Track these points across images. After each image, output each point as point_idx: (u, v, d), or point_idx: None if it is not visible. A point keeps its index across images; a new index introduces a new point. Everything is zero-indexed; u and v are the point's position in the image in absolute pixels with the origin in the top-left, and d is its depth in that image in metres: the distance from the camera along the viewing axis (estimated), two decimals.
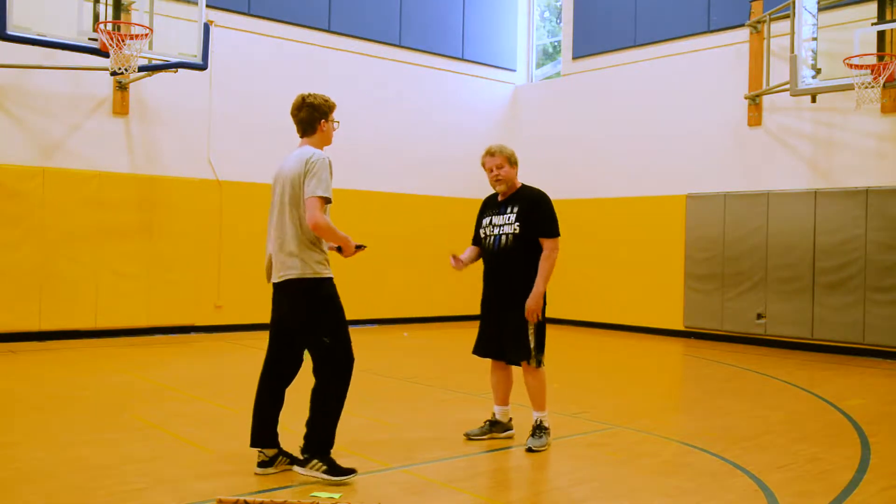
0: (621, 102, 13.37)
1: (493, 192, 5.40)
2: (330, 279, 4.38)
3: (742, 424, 6.00)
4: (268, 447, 4.42)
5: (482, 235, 5.30)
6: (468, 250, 5.45)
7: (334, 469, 4.25)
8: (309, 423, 4.32)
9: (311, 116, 4.47)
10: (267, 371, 4.50)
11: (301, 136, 4.54)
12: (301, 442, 4.41)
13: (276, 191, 4.45)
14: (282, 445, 4.48)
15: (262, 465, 4.40)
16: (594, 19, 13.92)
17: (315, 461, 4.26)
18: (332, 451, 4.34)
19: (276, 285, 4.43)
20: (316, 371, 4.36)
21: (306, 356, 4.48)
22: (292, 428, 4.95)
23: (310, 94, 4.50)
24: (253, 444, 4.43)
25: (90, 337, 10.34)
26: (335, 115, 4.57)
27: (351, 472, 4.28)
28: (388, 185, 13.29)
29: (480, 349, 5.35)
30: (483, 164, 5.25)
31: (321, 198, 4.21)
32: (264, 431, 4.42)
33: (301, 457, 4.31)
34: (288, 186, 4.33)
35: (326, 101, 4.51)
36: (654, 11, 13.00)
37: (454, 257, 5.27)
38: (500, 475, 4.69)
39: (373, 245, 4.73)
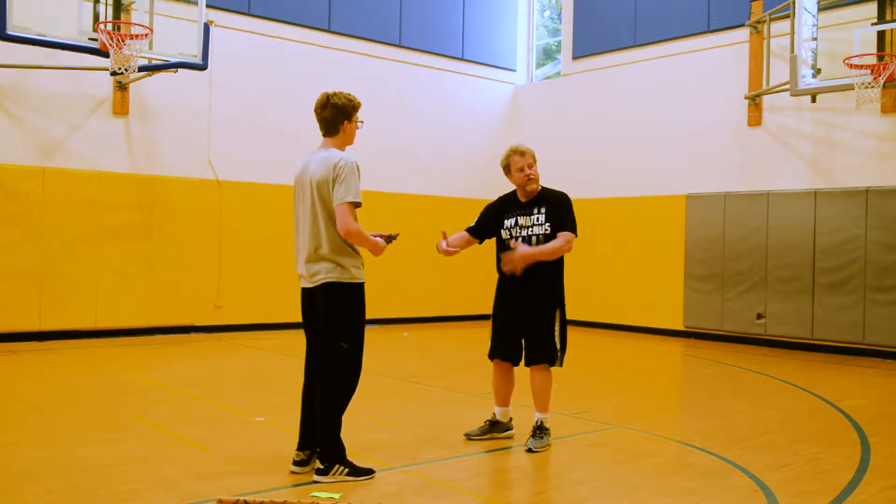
0: (621, 102, 13.37)
1: (506, 192, 5.35)
2: (363, 284, 4.39)
3: (742, 424, 6.00)
4: (307, 450, 4.43)
5: (505, 237, 5.22)
6: (458, 236, 5.28)
7: (355, 471, 4.31)
8: (322, 432, 4.32)
9: (335, 117, 4.40)
10: (306, 376, 4.49)
11: (323, 135, 4.48)
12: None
13: (304, 193, 4.39)
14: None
15: (299, 464, 4.40)
16: (594, 19, 13.92)
17: (337, 466, 4.28)
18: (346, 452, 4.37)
19: (309, 289, 4.41)
20: (324, 373, 4.35)
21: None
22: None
23: (335, 94, 4.41)
24: (300, 448, 4.43)
25: (90, 337, 10.34)
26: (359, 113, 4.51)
27: (371, 471, 4.35)
28: (387, 186, 13.29)
29: (501, 352, 5.25)
30: (510, 165, 5.16)
31: (351, 203, 4.20)
32: (308, 435, 4.42)
33: (321, 465, 4.29)
34: (317, 190, 4.29)
35: (351, 100, 4.43)
36: (654, 11, 13.00)
37: (445, 240, 5.15)
38: (500, 475, 4.69)
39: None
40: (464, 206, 13.95)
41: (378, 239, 4.42)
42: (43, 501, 3.89)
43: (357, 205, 4.25)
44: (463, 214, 13.97)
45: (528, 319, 5.11)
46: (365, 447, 4.90)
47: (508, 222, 5.23)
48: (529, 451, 4.98)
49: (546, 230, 5.08)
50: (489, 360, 5.34)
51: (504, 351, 5.24)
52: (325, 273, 4.29)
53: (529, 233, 5.12)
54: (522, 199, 5.24)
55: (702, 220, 11.95)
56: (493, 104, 14.94)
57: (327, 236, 4.28)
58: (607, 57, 13.68)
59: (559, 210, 5.12)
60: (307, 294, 4.46)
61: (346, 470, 4.29)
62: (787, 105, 11.14)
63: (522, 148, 5.20)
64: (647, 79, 13.01)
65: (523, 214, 5.18)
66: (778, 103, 11.26)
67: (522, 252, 4.94)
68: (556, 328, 5.08)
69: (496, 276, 5.34)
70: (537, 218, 5.11)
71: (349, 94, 4.45)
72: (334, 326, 4.33)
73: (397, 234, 4.54)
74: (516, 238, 5.14)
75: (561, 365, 5.13)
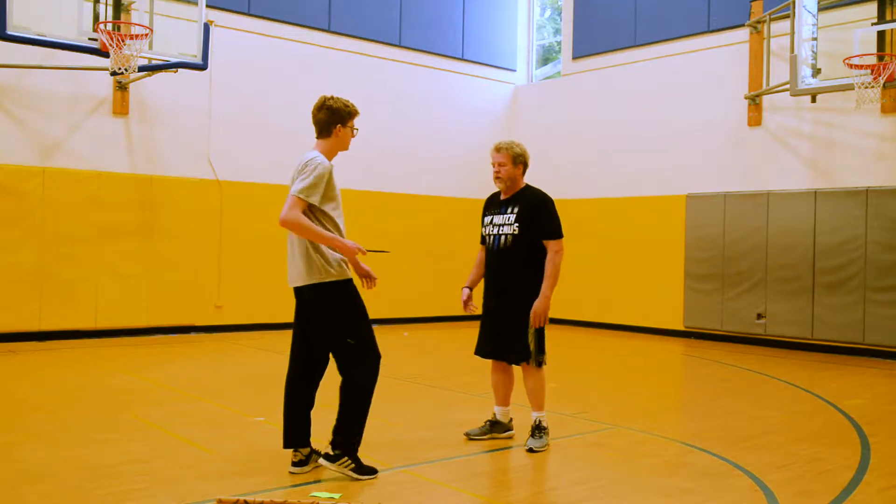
0: (621, 102, 13.37)
1: (495, 190, 5.38)
2: (348, 281, 4.40)
3: (742, 424, 6.00)
4: (302, 447, 4.45)
5: (484, 234, 5.29)
6: (476, 263, 5.43)
7: (360, 468, 4.33)
8: (339, 420, 4.35)
9: (329, 118, 4.44)
10: (294, 373, 4.51)
11: (316, 137, 4.52)
12: (327, 436, 4.45)
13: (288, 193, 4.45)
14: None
15: (297, 464, 4.43)
16: (594, 19, 13.92)
17: (345, 458, 4.30)
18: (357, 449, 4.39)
19: (297, 289, 4.45)
20: (343, 371, 4.40)
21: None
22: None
23: (332, 97, 4.47)
24: (286, 446, 4.45)
25: (90, 337, 10.34)
26: (357, 121, 4.55)
27: (374, 471, 4.37)
28: (387, 185, 13.30)
29: (481, 350, 5.33)
30: (492, 163, 5.20)
31: (298, 198, 4.16)
32: (298, 433, 4.45)
33: (331, 452, 4.31)
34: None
35: (347, 106, 4.47)
36: (654, 11, 13.00)
37: (469, 299, 5.30)
38: (500, 475, 4.69)
39: (372, 246, 4.72)
40: (463, 206, 13.97)
41: (348, 242, 4.30)
42: (43, 501, 3.89)
43: (306, 203, 4.18)
44: (463, 214, 14.06)
45: (505, 318, 5.12)
46: (365, 447, 4.89)
47: (486, 219, 5.27)
48: (530, 450, 4.98)
49: (514, 231, 5.06)
50: (477, 356, 5.38)
51: (486, 349, 5.26)
52: (308, 275, 4.32)
53: (500, 232, 5.12)
54: (502, 198, 5.25)
55: (702, 220, 11.95)
56: (493, 104, 14.93)
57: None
58: (607, 57, 13.68)
59: (535, 214, 5.07)
60: (297, 293, 4.49)
61: (353, 465, 4.31)
62: (787, 105, 11.14)
63: (500, 145, 5.18)
64: (647, 79, 13.01)
65: (498, 213, 5.19)
66: (778, 103, 11.26)
67: (536, 308, 4.97)
68: (531, 328, 5.05)
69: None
70: (508, 218, 5.11)
71: (347, 101, 4.50)
72: (330, 327, 4.35)
73: (387, 251, 4.57)
74: (489, 236, 5.17)
75: (538, 366, 5.09)
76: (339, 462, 4.28)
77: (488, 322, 5.25)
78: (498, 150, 5.17)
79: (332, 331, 4.36)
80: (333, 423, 4.39)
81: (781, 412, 6.56)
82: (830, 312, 10.46)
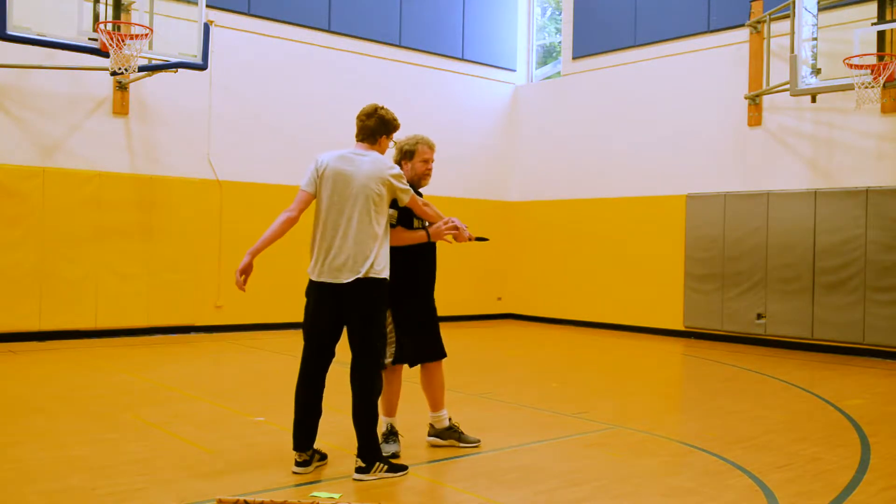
0: (621, 102, 13.37)
1: (423, 185, 5.18)
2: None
3: (742, 424, 6.00)
4: (309, 449, 4.47)
5: (417, 226, 4.95)
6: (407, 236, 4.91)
7: (393, 468, 4.40)
8: (360, 432, 4.36)
9: (378, 127, 4.57)
10: (310, 373, 4.48)
11: (359, 140, 4.58)
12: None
13: (345, 188, 4.39)
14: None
15: (301, 464, 4.42)
16: (594, 19, 13.93)
17: (377, 464, 4.34)
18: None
19: (339, 285, 4.36)
20: (358, 370, 4.37)
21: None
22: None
23: (383, 107, 4.60)
24: (296, 448, 4.44)
25: (90, 337, 10.34)
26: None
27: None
28: None
29: (422, 356, 5.07)
30: (415, 153, 4.99)
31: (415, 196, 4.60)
32: (309, 434, 4.45)
33: (361, 464, 4.33)
34: (366, 186, 4.37)
35: (395, 120, 4.64)
36: (654, 11, 13.01)
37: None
38: (500, 475, 4.68)
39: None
40: (463, 205, 13.97)
41: (454, 220, 4.79)
42: (43, 501, 3.89)
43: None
44: (462, 214, 14.00)
45: (434, 314, 5.06)
46: None
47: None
48: (470, 444, 5.01)
49: None
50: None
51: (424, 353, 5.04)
52: (373, 268, 4.35)
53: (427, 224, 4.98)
54: (419, 187, 5.09)
55: (702, 220, 11.95)
56: (493, 104, 14.93)
57: (374, 232, 4.37)
58: (607, 57, 13.68)
59: None
60: (333, 290, 4.38)
61: (386, 467, 4.36)
62: (787, 105, 11.14)
63: (432, 142, 5.08)
64: (647, 79, 13.01)
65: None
66: (778, 103, 11.26)
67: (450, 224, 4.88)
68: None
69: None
70: None
71: (395, 115, 4.65)
72: (374, 325, 4.39)
73: (488, 238, 4.74)
74: (427, 225, 4.92)
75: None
76: (373, 470, 4.32)
77: (431, 320, 5.05)
78: (432, 147, 5.06)
79: (374, 325, 4.39)
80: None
81: (781, 412, 6.56)
82: (830, 312, 10.46)
